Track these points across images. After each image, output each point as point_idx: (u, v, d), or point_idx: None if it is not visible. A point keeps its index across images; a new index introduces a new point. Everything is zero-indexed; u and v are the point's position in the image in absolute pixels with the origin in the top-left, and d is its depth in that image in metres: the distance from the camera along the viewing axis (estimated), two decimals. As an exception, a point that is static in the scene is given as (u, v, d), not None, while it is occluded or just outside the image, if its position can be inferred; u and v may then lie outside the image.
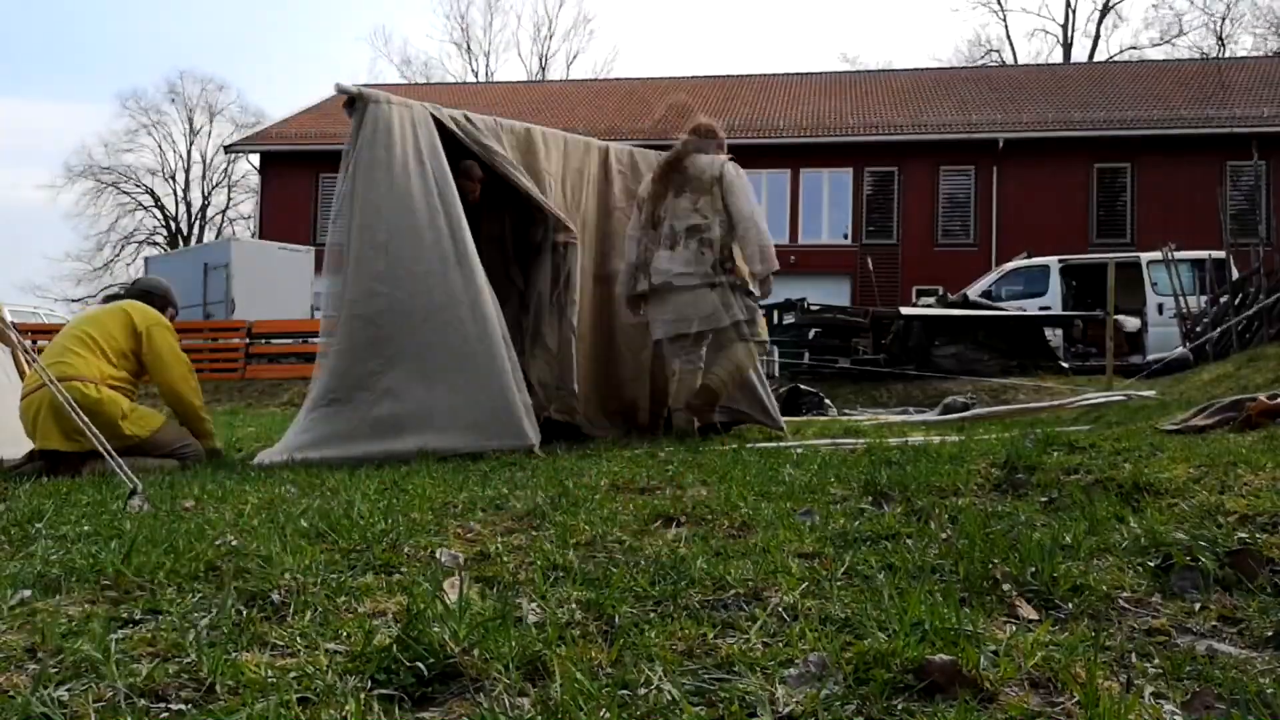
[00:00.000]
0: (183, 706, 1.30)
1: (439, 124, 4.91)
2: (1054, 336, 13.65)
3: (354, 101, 4.72)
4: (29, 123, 61.38)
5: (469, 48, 48.23)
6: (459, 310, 4.56)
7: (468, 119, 5.07)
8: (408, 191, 4.62)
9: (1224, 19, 39.65)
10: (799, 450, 4.26)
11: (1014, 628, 1.59)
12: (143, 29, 66.62)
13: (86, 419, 3.56)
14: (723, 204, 4.93)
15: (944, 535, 2.20)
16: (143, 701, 1.31)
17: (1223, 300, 10.81)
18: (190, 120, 43.31)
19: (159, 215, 42.85)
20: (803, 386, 9.51)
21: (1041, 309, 14.07)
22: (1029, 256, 15.64)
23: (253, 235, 27.57)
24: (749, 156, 24.18)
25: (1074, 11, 39.74)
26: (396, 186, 4.62)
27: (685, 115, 5.11)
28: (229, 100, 53.11)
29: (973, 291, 14.68)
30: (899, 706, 1.27)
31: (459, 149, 5.07)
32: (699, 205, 4.93)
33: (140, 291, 5.05)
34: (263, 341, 15.40)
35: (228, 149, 28.83)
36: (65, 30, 62.84)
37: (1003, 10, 47.64)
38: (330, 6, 69.17)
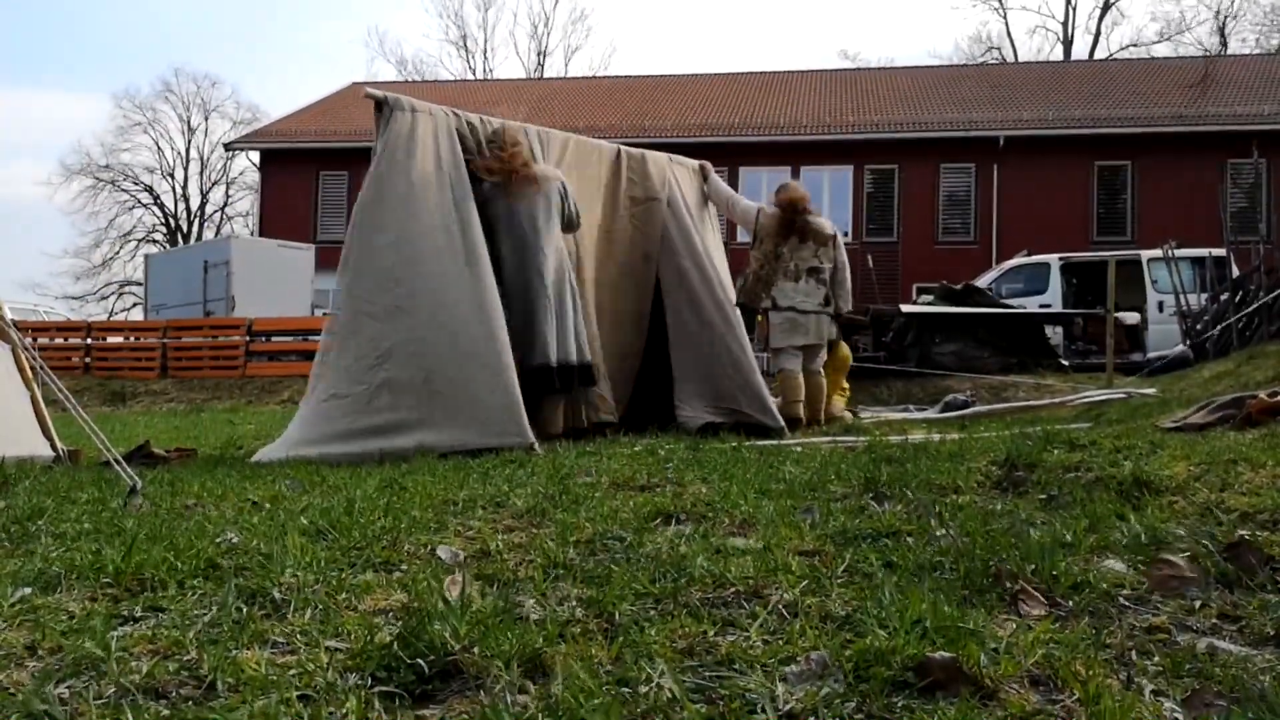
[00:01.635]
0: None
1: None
2: (1054, 334, 13.63)
3: (381, 106, 4.79)
4: (22, 117, 61.32)
5: (465, 45, 48.08)
6: (465, 309, 4.61)
7: (474, 125, 5.14)
8: (424, 195, 4.73)
9: (1227, 16, 39.46)
10: (799, 448, 4.26)
11: (1014, 625, 1.59)
12: (133, 25, 66.51)
13: (88, 417, 3.55)
14: (832, 256, 6.51)
15: (945, 532, 2.20)
16: (143, 699, 1.31)
17: (1223, 298, 10.80)
18: (188, 118, 43.25)
19: (158, 213, 42.80)
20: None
21: (1042, 307, 14.05)
22: (1029, 254, 15.61)
23: (251, 232, 27.54)
24: (749, 154, 23.99)
25: (1074, 9, 39.51)
26: (413, 190, 4.72)
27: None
28: (224, 96, 53.02)
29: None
30: (899, 704, 1.27)
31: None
32: (818, 253, 6.46)
33: None
34: (263, 339, 15.40)
35: (228, 146, 28.75)
36: (56, 24, 62.76)
37: (1003, 7, 47.43)
38: (323, 3, 69.04)
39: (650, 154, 6.16)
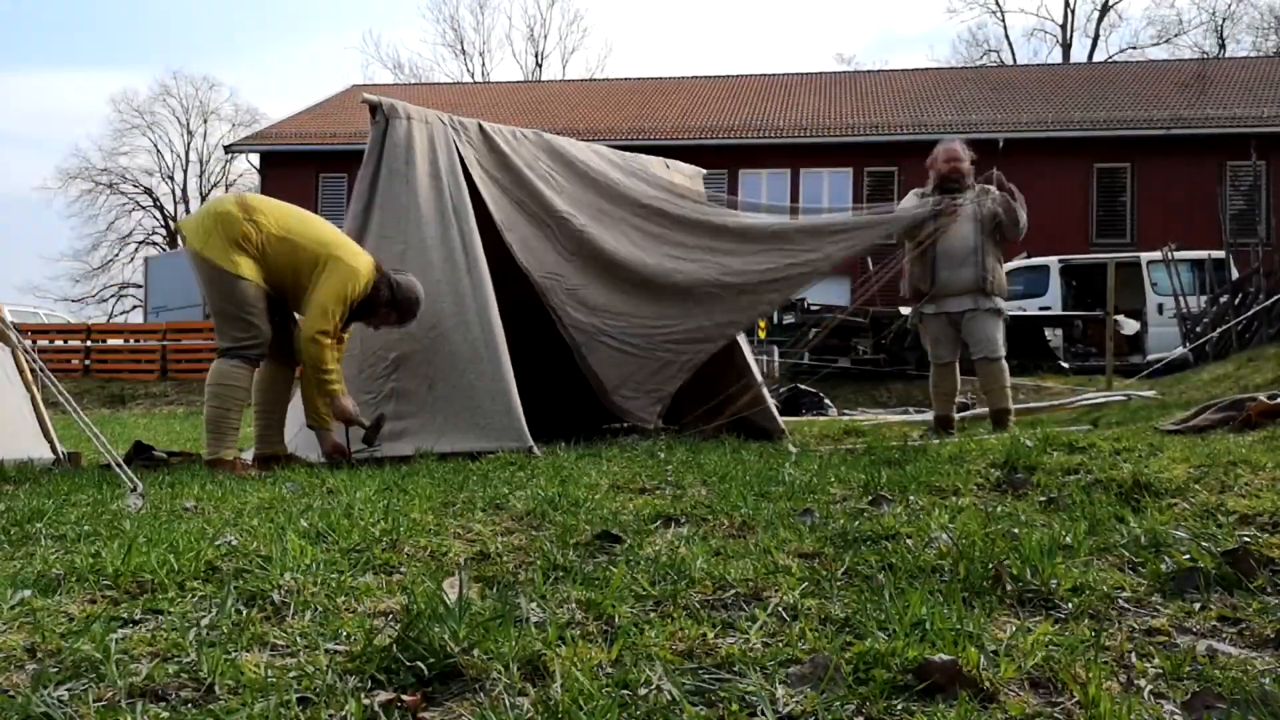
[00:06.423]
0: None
1: (485, 135, 5.07)
2: (1054, 337, 13.63)
3: (375, 111, 4.79)
4: (21, 115, 61.33)
5: (462, 49, 47.91)
6: (467, 316, 4.65)
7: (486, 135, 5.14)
8: (423, 204, 4.74)
9: (1225, 19, 39.49)
10: (797, 450, 4.26)
11: (1014, 627, 1.59)
12: (130, 27, 66.50)
13: (88, 419, 3.55)
14: None
15: (944, 535, 2.20)
16: (143, 702, 1.31)
17: (1222, 300, 10.81)
18: (187, 120, 43.25)
19: (157, 215, 42.80)
20: (803, 387, 9.51)
21: (1041, 309, 14.06)
22: (1028, 256, 15.61)
23: (252, 235, 27.41)
24: (749, 156, 23.84)
25: (1073, 12, 39.41)
26: (413, 199, 4.74)
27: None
28: (223, 99, 52.88)
29: None
30: (899, 706, 1.27)
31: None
32: None
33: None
34: (262, 341, 15.39)
35: (228, 149, 28.73)
36: (54, 23, 62.78)
37: (1001, 10, 47.41)
38: (320, 6, 68.98)
39: (646, 159, 6.15)
